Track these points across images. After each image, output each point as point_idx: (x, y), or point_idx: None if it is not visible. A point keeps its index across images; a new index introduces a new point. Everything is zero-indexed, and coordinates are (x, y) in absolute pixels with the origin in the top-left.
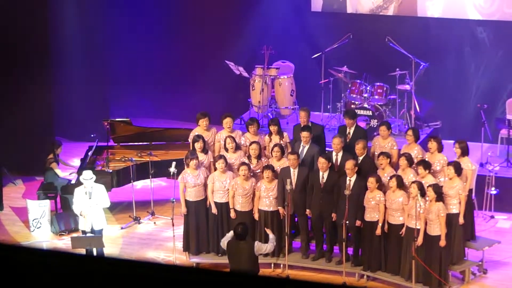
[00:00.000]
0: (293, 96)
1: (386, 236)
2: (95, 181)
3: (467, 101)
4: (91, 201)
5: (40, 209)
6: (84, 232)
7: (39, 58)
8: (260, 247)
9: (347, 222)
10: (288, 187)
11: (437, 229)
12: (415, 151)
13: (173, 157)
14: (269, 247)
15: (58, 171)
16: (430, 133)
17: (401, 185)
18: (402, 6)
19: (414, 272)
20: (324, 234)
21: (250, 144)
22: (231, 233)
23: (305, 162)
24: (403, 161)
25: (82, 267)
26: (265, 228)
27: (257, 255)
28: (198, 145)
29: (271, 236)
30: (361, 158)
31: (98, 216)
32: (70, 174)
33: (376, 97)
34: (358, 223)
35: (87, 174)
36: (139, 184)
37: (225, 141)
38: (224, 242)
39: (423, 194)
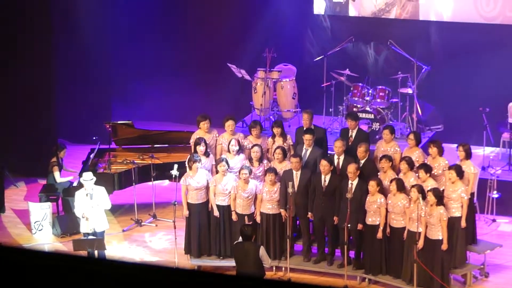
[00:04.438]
0: (295, 99)
1: (388, 239)
2: (96, 183)
3: (469, 104)
4: (92, 202)
5: (41, 212)
6: (85, 234)
7: (41, 60)
8: (264, 254)
9: (349, 225)
10: (290, 190)
11: (438, 233)
12: (416, 155)
13: (175, 159)
14: (267, 261)
15: (56, 175)
16: (432, 137)
17: (401, 188)
18: (404, 9)
19: (416, 276)
20: (326, 237)
21: (252, 147)
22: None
23: (308, 165)
24: (403, 165)
25: (84, 270)
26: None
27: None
28: (200, 148)
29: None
30: (363, 161)
31: (100, 217)
32: (73, 178)
33: (378, 100)
34: (359, 226)
35: (87, 175)
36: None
37: (229, 143)
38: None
39: (424, 197)
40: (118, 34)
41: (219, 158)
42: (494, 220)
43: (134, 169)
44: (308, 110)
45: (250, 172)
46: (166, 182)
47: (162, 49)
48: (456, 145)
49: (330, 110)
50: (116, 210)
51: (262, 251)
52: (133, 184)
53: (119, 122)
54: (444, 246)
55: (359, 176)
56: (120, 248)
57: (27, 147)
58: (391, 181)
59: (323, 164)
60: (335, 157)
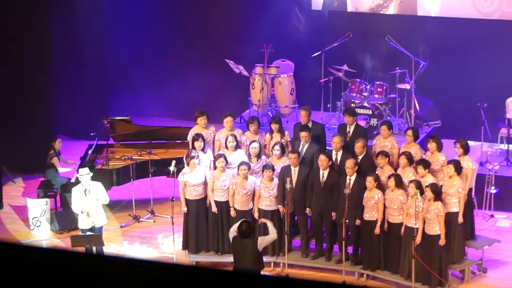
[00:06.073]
0: (293, 95)
1: (386, 235)
2: (94, 179)
3: (467, 100)
4: (90, 197)
5: (40, 208)
6: (83, 230)
7: (39, 57)
8: (263, 241)
9: (347, 221)
10: (288, 186)
11: (436, 228)
12: (414, 151)
13: (173, 155)
14: (271, 235)
15: (57, 166)
16: (429, 132)
17: (399, 184)
18: (402, 4)
19: (414, 271)
20: (324, 233)
21: (250, 143)
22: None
23: (305, 161)
24: (403, 160)
25: (82, 266)
26: (262, 220)
27: (261, 249)
28: (198, 144)
29: (269, 223)
30: (360, 157)
31: (99, 212)
32: (72, 169)
33: (376, 96)
34: (357, 222)
35: (83, 171)
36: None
37: (226, 139)
38: (231, 234)
39: (422, 193)
40: (116, 30)
41: (217, 154)
42: (492, 216)
43: (132, 165)
44: (306, 106)
45: (249, 167)
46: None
47: (161, 45)
48: (453, 140)
49: (328, 106)
50: (114, 206)
51: (260, 240)
52: (131, 180)
53: (117, 118)
54: (442, 242)
55: (357, 172)
56: (131, 248)
57: (25, 144)
58: (389, 177)
59: (322, 159)
60: (333, 153)
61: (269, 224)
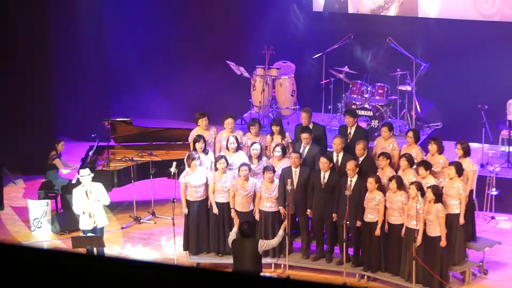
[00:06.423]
0: (293, 97)
1: (387, 236)
2: (95, 181)
3: (467, 102)
4: (91, 197)
5: (40, 209)
6: (85, 231)
7: (39, 58)
8: (264, 244)
9: (348, 222)
10: (289, 187)
11: (437, 229)
12: (414, 152)
13: (174, 157)
14: (274, 241)
15: (59, 167)
16: (430, 134)
17: (401, 185)
18: (403, 6)
19: (414, 273)
20: (325, 234)
21: (251, 145)
22: (235, 229)
23: (306, 162)
24: (403, 162)
25: (83, 267)
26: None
27: (261, 252)
28: (199, 145)
29: (281, 231)
30: (361, 158)
31: (100, 213)
32: (72, 169)
33: (377, 97)
34: (358, 223)
35: (84, 171)
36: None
37: (227, 141)
38: (230, 240)
39: (423, 194)
40: (116, 31)
41: (218, 155)
42: (493, 218)
43: (133, 166)
44: (306, 108)
45: (250, 169)
46: None
47: (162, 46)
48: (454, 142)
49: (329, 107)
50: (115, 207)
51: (261, 242)
52: (132, 181)
53: (117, 119)
54: (443, 243)
55: (358, 173)
56: (133, 250)
57: (26, 145)
58: (390, 179)
59: (322, 161)
60: (334, 154)
61: (281, 231)
